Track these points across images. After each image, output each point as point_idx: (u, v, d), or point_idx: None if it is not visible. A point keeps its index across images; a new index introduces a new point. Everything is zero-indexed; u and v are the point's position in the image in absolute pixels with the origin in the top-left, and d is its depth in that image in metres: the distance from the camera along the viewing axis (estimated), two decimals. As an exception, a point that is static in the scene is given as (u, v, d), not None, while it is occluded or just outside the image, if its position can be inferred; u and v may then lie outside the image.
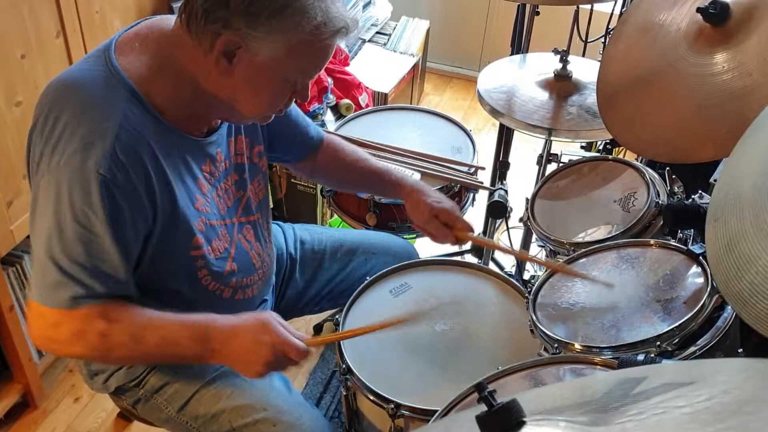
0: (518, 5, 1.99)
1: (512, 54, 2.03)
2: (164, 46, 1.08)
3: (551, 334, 1.12)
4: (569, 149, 2.16)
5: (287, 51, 1.03)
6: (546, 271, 1.30)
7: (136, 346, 1.10)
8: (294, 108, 1.39)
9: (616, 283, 1.19)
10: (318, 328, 2.25)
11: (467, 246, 2.39)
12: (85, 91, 1.05)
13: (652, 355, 0.98)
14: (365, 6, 2.94)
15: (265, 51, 1.02)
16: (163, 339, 1.10)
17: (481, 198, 1.86)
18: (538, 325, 1.16)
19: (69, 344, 1.10)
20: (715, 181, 1.33)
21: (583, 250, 1.29)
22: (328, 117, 2.47)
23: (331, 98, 2.48)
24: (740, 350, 1.07)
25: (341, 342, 1.29)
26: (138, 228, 1.07)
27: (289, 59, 1.04)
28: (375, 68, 2.84)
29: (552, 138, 1.74)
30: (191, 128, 1.15)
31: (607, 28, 2.06)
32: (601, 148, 2.17)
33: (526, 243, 2.05)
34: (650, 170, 1.44)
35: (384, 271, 1.45)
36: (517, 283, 1.42)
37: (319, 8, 1.01)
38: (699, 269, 1.13)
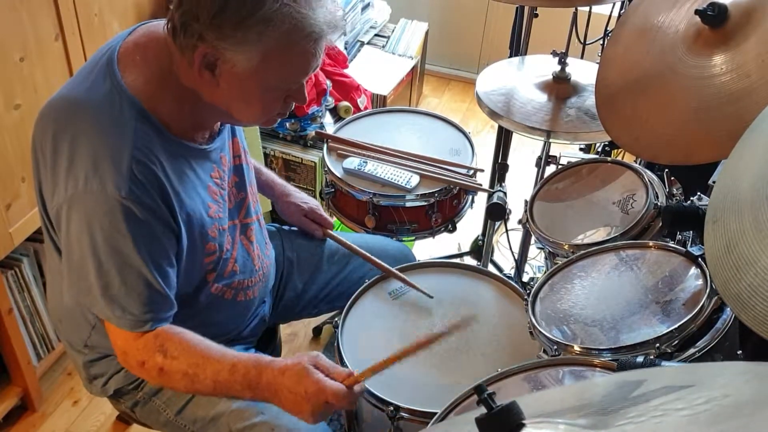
0: (517, 7, 1.99)
1: (511, 56, 2.04)
2: (162, 58, 1.08)
3: (550, 336, 1.12)
4: (568, 151, 2.16)
5: (261, 60, 1.02)
6: (545, 272, 1.30)
7: (192, 385, 1.11)
8: None
9: (614, 286, 1.19)
10: (317, 331, 2.25)
11: (466, 248, 2.40)
12: (94, 111, 1.05)
13: (652, 356, 0.98)
14: (364, 8, 2.95)
15: (241, 61, 1.02)
16: (215, 382, 1.10)
17: (480, 200, 1.86)
18: (537, 327, 1.16)
19: (138, 371, 1.14)
20: (713, 182, 1.33)
21: (582, 252, 1.29)
22: (327, 119, 2.47)
23: (330, 100, 2.48)
24: (739, 352, 1.07)
25: (340, 344, 1.29)
26: (171, 239, 1.09)
27: (266, 68, 1.03)
28: (374, 70, 2.84)
29: (551, 140, 1.74)
30: (195, 136, 1.16)
31: (606, 30, 2.06)
32: (599, 150, 2.17)
33: (525, 245, 2.05)
34: (649, 172, 1.44)
35: (383, 273, 1.45)
36: (516, 285, 1.42)
37: (287, 15, 0.99)
38: (698, 271, 1.12)
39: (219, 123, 1.21)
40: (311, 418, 1.08)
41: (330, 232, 1.58)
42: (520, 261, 2.07)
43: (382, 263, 1.46)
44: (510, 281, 1.44)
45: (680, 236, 1.32)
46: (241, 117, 1.13)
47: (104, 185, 1.01)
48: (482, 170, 1.73)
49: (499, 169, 1.98)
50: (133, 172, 1.02)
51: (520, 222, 1.59)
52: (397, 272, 1.44)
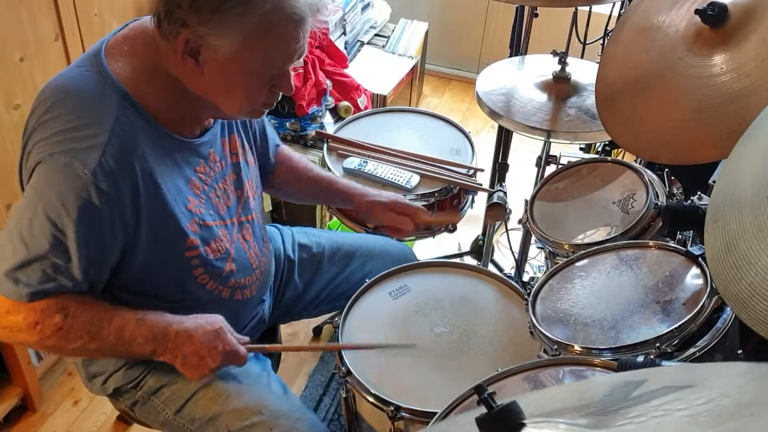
0: (517, 7, 1.99)
1: (511, 56, 2.04)
2: (150, 49, 1.08)
3: (551, 336, 1.12)
4: (568, 151, 2.16)
5: (243, 43, 1.02)
6: (546, 272, 1.30)
7: (90, 342, 1.11)
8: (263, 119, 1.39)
9: (614, 286, 1.19)
10: (318, 331, 2.25)
11: (467, 248, 2.40)
12: (78, 95, 1.06)
13: (652, 356, 0.98)
14: (364, 8, 2.95)
15: (222, 46, 1.02)
16: (118, 337, 1.11)
17: (480, 200, 1.86)
18: (538, 326, 1.16)
19: (21, 332, 1.08)
20: (714, 182, 1.33)
21: (582, 251, 1.29)
22: (327, 119, 2.47)
23: (330, 100, 2.48)
24: (739, 351, 1.07)
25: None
26: (115, 234, 1.08)
27: (248, 52, 1.03)
28: (374, 70, 2.84)
29: (551, 140, 1.74)
30: (184, 129, 1.16)
31: (606, 29, 2.06)
32: (600, 149, 2.17)
33: (525, 245, 2.05)
34: (649, 172, 1.44)
35: (383, 273, 1.45)
36: (516, 284, 1.42)
37: None
38: (698, 270, 1.13)
39: (211, 120, 1.21)
40: (208, 372, 1.16)
41: (421, 217, 1.48)
42: (521, 261, 2.07)
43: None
44: (510, 281, 1.44)
45: (680, 236, 1.32)
46: (226, 107, 1.13)
47: (71, 162, 1.01)
48: (482, 170, 1.73)
49: (500, 169, 1.98)
50: (105, 156, 1.02)
51: (520, 222, 1.59)
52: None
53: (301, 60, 1.14)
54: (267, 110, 1.18)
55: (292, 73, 1.14)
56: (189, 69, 1.06)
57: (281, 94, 1.16)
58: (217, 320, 1.18)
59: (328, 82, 2.45)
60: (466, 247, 2.40)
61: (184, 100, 1.11)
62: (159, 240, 1.13)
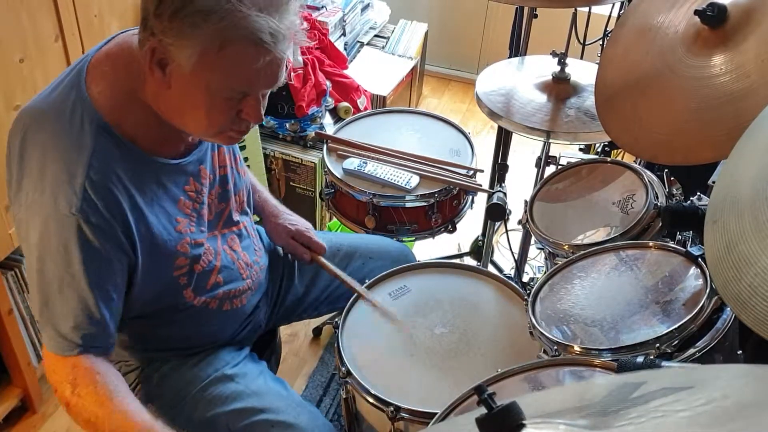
0: (516, 8, 2.00)
1: (510, 57, 2.04)
2: (131, 69, 1.07)
3: (550, 336, 1.12)
4: (568, 151, 2.16)
5: (200, 58, 0.99)
6: (545, 273, 1.30)
7: (95, 422, 1.07)
8: None
9: (614, 286, 1.19)
10: (317, 331, 2.25)
11: (466, 248, 2.40)
12: (55, 124, 1.05)
13: (652, 357, 0.98)
14: (363, 9, 2.95)
15: (183, 58, 0.99)
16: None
17: (480, 200, 1.86)
18: (538, 327, 1.16)
19: (56, 392, 1.10)
20: (713, 182, 1.33)
21: (582, 252, 1.29)
22: (327, 120, 2.47)
23: (330, 101, 2.48)
24: (739, 352, 1.07)
25: (341, 345, 1.29)
26: (122, 262, 1.08)
27: (205, 67, 1.00)
28: (373, 71, 2.84)
29: (550, 140, 1.74)
30: (167, 151, 1.14)
31: (605, 30, 2.07)
32: (599, 150, 2.17)
33: (525, 245, 2.05)
34: (648, 172, 1.44)
35: (383, 273, 1.45)
36: (516, 285, 1.42)
37: (227, 11, 0.96)
38: (698, 271, 1.13)
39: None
40: None
41: (319, 257, 1.49)
42: (520, 261, 2.08)
43: (360, 289, 1.42)
44: (510, 281, 1.43)
45: (680, 236, 1.32)
46: (191, 128, 1.10)
47: (57, 200, 1.01)
48: (482, 171, 1.73)
49: (499, 170, 1.98)
50: (86, 191, 1.02)
51: (520, 222, 1.59)
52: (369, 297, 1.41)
53: (285, 79, 1.09)
54: (240, 137, 1.14)
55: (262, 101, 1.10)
56: (157, 82, 1.03)
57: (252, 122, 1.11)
58: None
59: (328, 82, 2.45)
60: (466, 248, 2.41)
61: (164, 123, 1.09)
62: (151, 266, 1.13)
